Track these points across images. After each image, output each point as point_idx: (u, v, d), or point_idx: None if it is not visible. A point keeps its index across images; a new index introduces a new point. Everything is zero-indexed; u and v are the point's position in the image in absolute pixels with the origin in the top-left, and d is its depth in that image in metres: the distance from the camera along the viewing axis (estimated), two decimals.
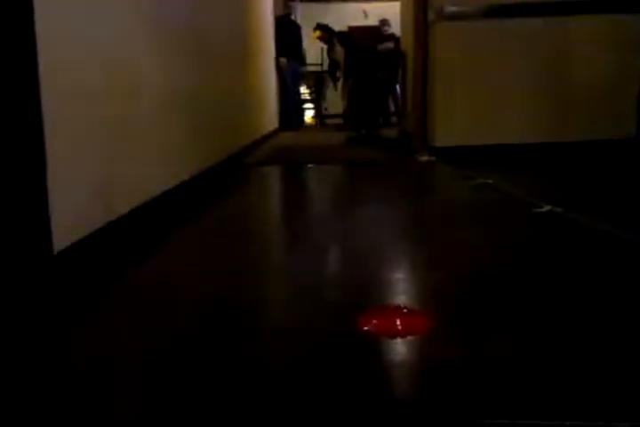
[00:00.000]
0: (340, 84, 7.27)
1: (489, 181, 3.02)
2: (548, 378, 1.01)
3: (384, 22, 7.25)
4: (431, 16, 4.09)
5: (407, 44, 6.03)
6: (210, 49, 3.50)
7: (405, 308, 1.36)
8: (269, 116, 6.90)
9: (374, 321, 1.27)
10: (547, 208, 2.31)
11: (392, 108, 7.46)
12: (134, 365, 1.12)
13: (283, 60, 7.77)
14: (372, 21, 8.18)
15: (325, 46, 7.24)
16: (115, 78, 1.92)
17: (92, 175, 1.70)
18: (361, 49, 6.56)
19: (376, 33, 7.11)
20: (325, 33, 6.80)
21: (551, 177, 3.34)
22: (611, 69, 3.86)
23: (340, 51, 6.68)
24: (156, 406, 0.97)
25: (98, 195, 1.73)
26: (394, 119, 7.48)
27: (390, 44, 6.74)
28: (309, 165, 4.37)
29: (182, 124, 2.77)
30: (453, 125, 4.08)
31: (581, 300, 1.39)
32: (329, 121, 9.45)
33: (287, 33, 7.77)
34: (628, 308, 1.33)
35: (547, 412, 0.90)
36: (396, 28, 7.08)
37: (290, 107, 8.20)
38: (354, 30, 7.48)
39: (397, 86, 7.04)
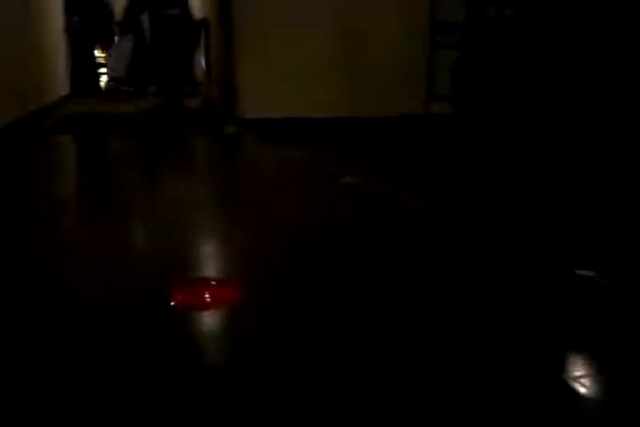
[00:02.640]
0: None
1: (291, 154, 3.10)
2: (353, 341, 1.07)
3: None
4: None
5: (210, 12, 5.87)
6: None
7: (215, 280, 1.34)
8: (57, 81, 6.21)
9: (184, 294, 1.23)
10: (343, 179, 2.45)
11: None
12: None
13: (75, 18, 7.07)
14: None
15: None
16: None
17: None
18: (149, 9, 6.26)
19: None
20: None
21: (352, 150, 3.53)
22: (402, 46, 4.13)
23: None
24: None
25: None
26: (202, 89, 7.28)
27: (175, 11, 6.55)
28: (108, 135, 4.09)
29: None
30: (261, 97, 4.08)
31: (380, 265, 1.49)
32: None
33: None
34: (419, 274, 1.47)
35: (348, 371, 0.96)
36: None
37: (83, 71, 7.51)
38: None
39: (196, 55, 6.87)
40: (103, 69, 8.99)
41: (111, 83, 7.99)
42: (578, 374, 0.97)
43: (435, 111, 3.74)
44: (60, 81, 6.33)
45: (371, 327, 1.12)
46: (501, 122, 3.45)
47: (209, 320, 1.16)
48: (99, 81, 8.66)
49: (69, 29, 7.01)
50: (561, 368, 0.99)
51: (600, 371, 0.99)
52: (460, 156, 3.25)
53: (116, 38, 6.29)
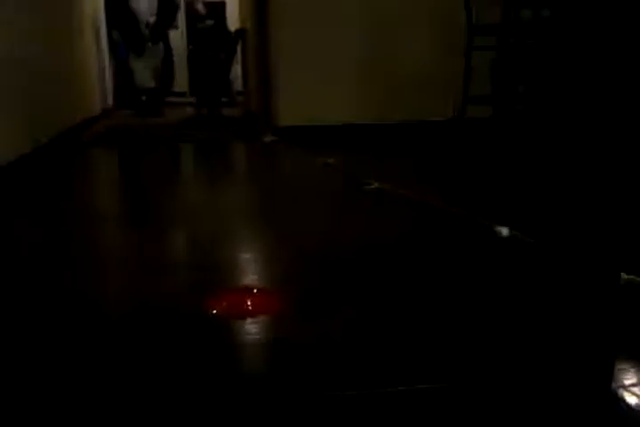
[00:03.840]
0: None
1: (328, 161, 3.10)
2: (387, 349, 1.07)
3: (197, 1, 7.13)
4: None
5: (247, 22, 5.96)
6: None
7: (254, 288, 1.35)
8: (97, 95, 6.21)
9: (223, 303, 1.24)
10: (375, 185, 2.44)
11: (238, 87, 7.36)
12: None
13: (116, 32, 7.21)
14: None
15: None
16: None
17: None
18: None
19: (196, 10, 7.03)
20: None
21: (386, 156, 3.52)
22: (442, 54, 4.11)
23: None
24: None
25: None
26: (240, 98, 7.37)
27: (209, 22, 6.68)
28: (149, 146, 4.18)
29: None
30: (297, 105, 4.11)
31: (422, 274, 1.48)
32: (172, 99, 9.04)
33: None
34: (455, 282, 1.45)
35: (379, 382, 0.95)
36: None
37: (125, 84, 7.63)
38: None
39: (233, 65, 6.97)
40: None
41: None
42: (628, 382, 0.94)
43: (471, 115, 3.69)
44: (99, 94, 6.38)
45: (410, 337, 1.11)
46: (540, 124, 3.39)
47: (248, 328, 1.17)
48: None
49: (112, 43, 7.15)
50: (610, 376, 0.97)
51: None
52: (498, 159, 3.20)
53: (149, 45, 6.22)
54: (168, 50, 6.29)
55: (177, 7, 6.43)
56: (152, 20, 6.12)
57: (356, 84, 4.15)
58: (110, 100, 7.08)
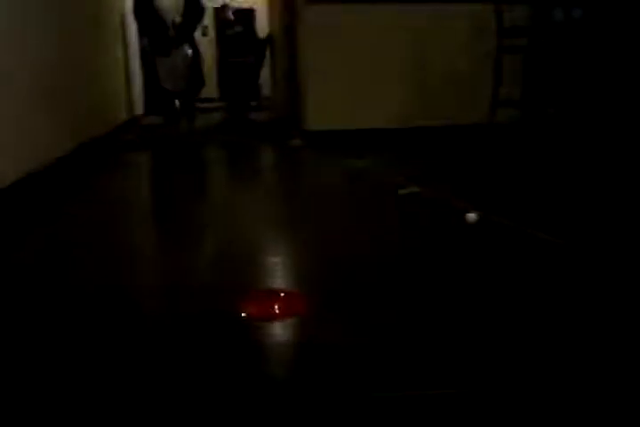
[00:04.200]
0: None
1: (358, 165, 3.10)
2: (414, 353, 1.06)
3: (226, 8, 7.19)
4: None
5: (276, 28, 6.00)
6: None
7: (282, 291, 1.36)
8: (115, 106, 6.09)
9: (252, 305, 1.25)
10: (409, 189, 2.42)
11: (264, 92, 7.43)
12: None
13: (145, 39, 7.28)
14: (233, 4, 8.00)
15: None
16: None
17: None
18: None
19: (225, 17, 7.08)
20: None
21: (415, 160, 3.50)
22: (470, 57, 4.09)
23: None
24: None
25: None
26: (269, 103, 7.42)
27: (238, 28, 6.74)
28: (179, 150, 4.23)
29: None
30: (325, 109, 4.12)
31: (453, 277, 1.47)
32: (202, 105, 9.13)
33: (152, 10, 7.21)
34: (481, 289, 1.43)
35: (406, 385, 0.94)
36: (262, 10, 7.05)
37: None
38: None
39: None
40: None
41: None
42: None
43: (501, 119, 3.65)
44: (127, 100, 6.32)
45: (442, 341, 1.10)
46: (571, 127, 3.34)
47: (276, 330, 1.18)
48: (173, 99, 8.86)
49: (143, 49, 7.23)
50: None
51: None
52: (529, 163, 3.15)
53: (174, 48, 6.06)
54: (195, 53, 6.24)
55: (204, 8, 6.41)
56: (178, 20, 6.02)
57: (384, 88, 4.15)
58: (141, 106, 7.13)
